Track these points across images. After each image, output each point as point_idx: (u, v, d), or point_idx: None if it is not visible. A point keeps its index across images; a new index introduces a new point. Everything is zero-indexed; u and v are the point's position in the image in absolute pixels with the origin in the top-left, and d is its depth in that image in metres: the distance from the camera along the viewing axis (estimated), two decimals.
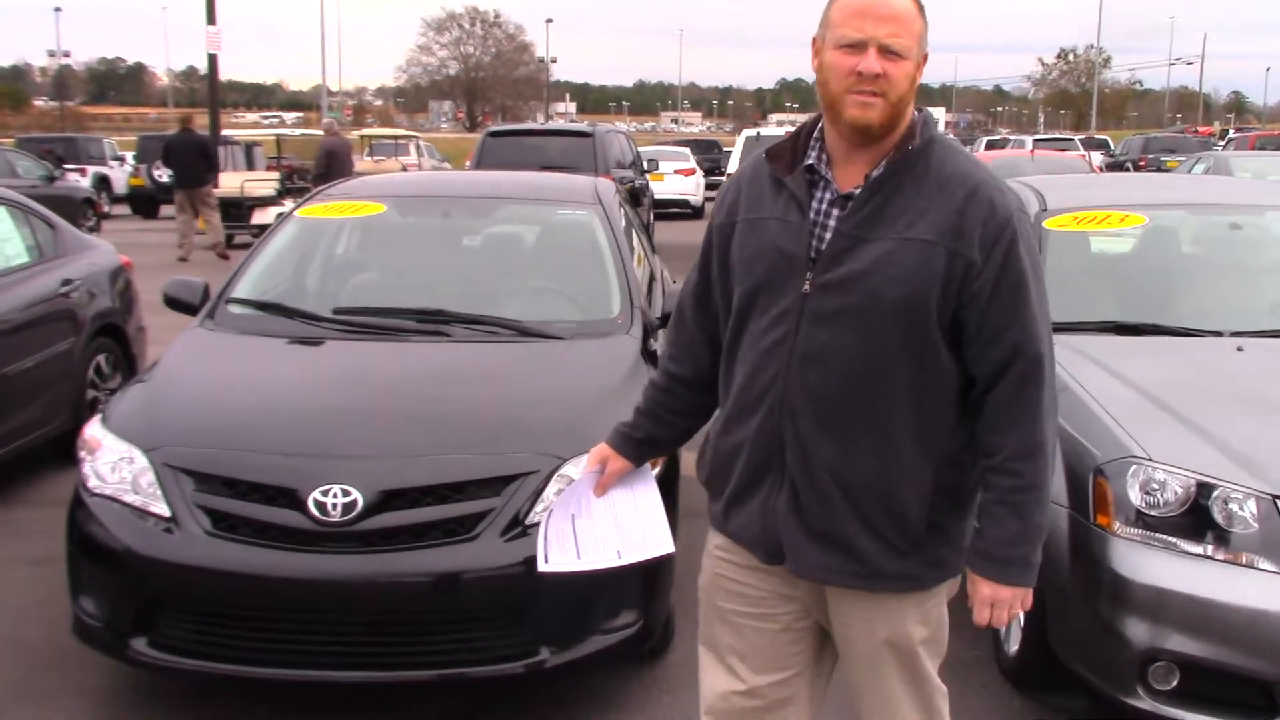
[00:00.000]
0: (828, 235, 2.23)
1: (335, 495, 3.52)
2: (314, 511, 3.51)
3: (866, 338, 2.18)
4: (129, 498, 3.70)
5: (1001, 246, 2.16)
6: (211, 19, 21.50)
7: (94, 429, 3.98)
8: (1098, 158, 23.82)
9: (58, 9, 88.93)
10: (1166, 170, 28.75)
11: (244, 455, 3.70)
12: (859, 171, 2.23)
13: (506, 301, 4.82)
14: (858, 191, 2.22)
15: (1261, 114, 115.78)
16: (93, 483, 3.81)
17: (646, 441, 2.63)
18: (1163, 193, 5.67)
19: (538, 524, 3.55)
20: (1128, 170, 30.25)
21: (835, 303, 2.20)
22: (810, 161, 2.28)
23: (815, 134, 2.31)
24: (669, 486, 3.72)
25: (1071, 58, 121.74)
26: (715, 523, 2.48)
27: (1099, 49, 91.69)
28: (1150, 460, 3.46)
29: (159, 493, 3.65)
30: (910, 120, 2.24)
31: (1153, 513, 3.42)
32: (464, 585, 3.51)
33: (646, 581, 3.67)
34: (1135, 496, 3.44)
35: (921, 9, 2.22)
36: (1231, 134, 41.26)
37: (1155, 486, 3.43)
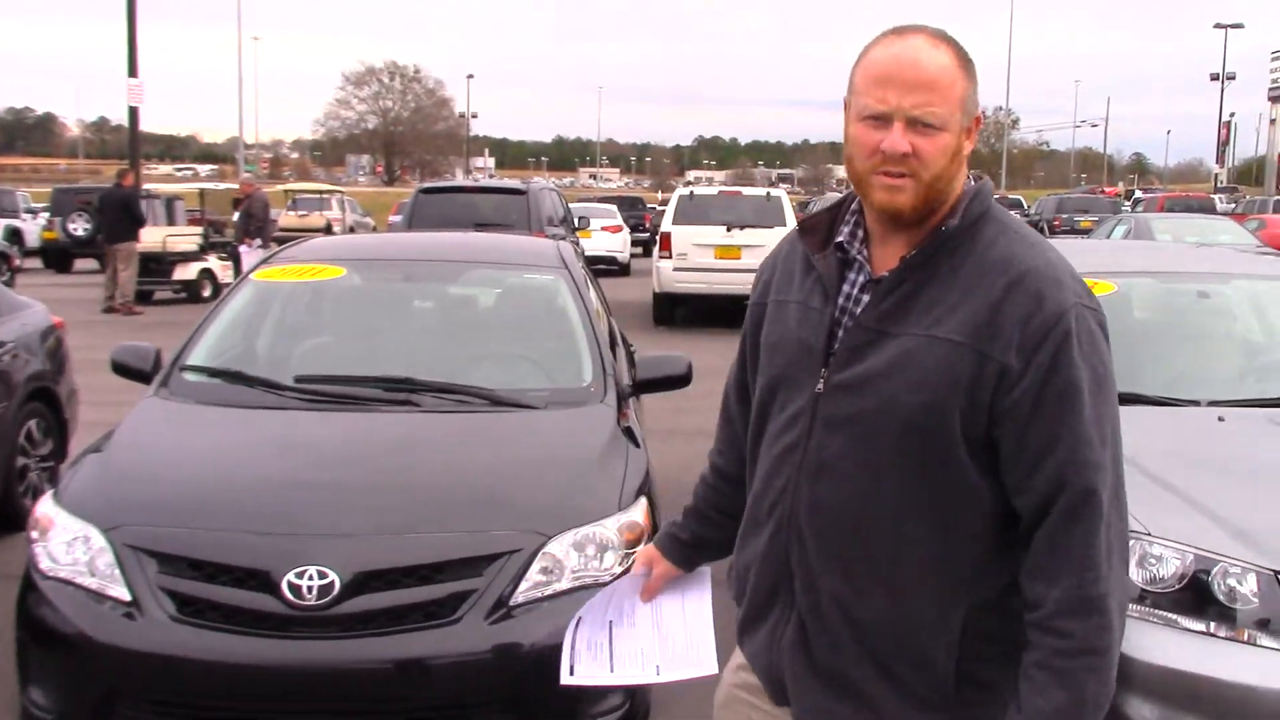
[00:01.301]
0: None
1: (311, 577, 3.34)
2: (288, 595, 3.33)
3: (879, 451, 1.84)
4: (85, 580, 3.49)
5: (1048, 349, 1.76)
6: (133, 71, 21.15)
7: (46, 506, 3.75)
8: None
9: None
10: (1081, 230, 29.50)
11: (212, 534, 3.51)
12: (896, 253, 1.88)
13: (475, 369, 4.68)
14: (887, 276, 1.88)
15: (1162, 174, 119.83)
16: (45, 564, 3.59)
17: (693, 544, 2.30)
18: (1129, 260, 5.71)
19: (522, 604, 3.44)
20: (1043, 230, 30.93)
21: (849, 406, 1.86)
22: (841, 239, 1.95)
23: (854, 205, 1.98)
24: None
25: (981, 119, 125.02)
26: (737, 639, 2.16)
27: (1008, 110, 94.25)
28: (1147, 534, 3.42)
29: (119, 574, 3.45)
30: (959, 194, 1.90)
31: (1151, 588, 3.38)
32: (447, 671, 3.35)
33: None
34: (1133, 572, 3.39)
35: (965, 64, 1.86)
36: (1139, 194, 42.62)
37: (1153, 561, 3.39)
